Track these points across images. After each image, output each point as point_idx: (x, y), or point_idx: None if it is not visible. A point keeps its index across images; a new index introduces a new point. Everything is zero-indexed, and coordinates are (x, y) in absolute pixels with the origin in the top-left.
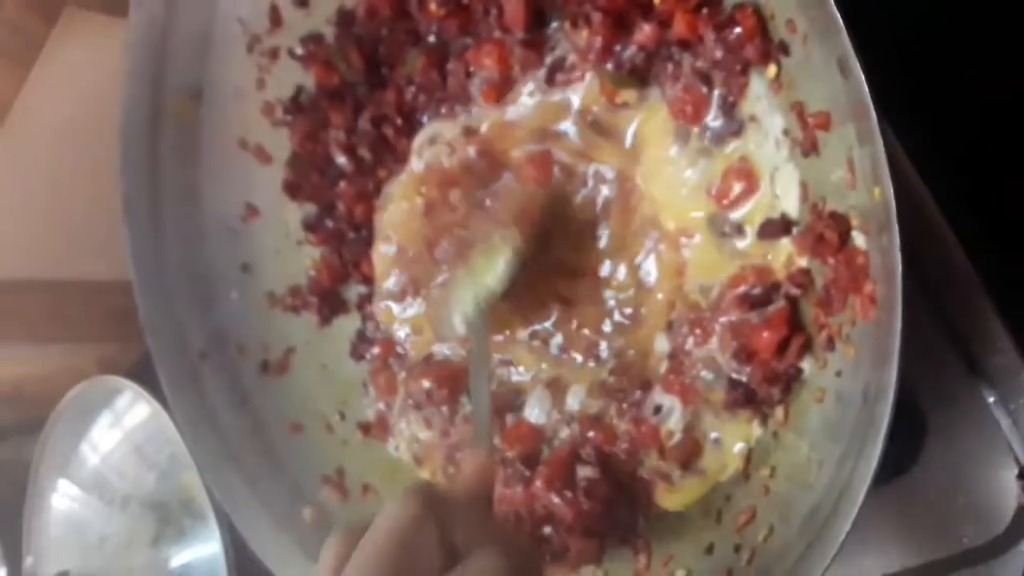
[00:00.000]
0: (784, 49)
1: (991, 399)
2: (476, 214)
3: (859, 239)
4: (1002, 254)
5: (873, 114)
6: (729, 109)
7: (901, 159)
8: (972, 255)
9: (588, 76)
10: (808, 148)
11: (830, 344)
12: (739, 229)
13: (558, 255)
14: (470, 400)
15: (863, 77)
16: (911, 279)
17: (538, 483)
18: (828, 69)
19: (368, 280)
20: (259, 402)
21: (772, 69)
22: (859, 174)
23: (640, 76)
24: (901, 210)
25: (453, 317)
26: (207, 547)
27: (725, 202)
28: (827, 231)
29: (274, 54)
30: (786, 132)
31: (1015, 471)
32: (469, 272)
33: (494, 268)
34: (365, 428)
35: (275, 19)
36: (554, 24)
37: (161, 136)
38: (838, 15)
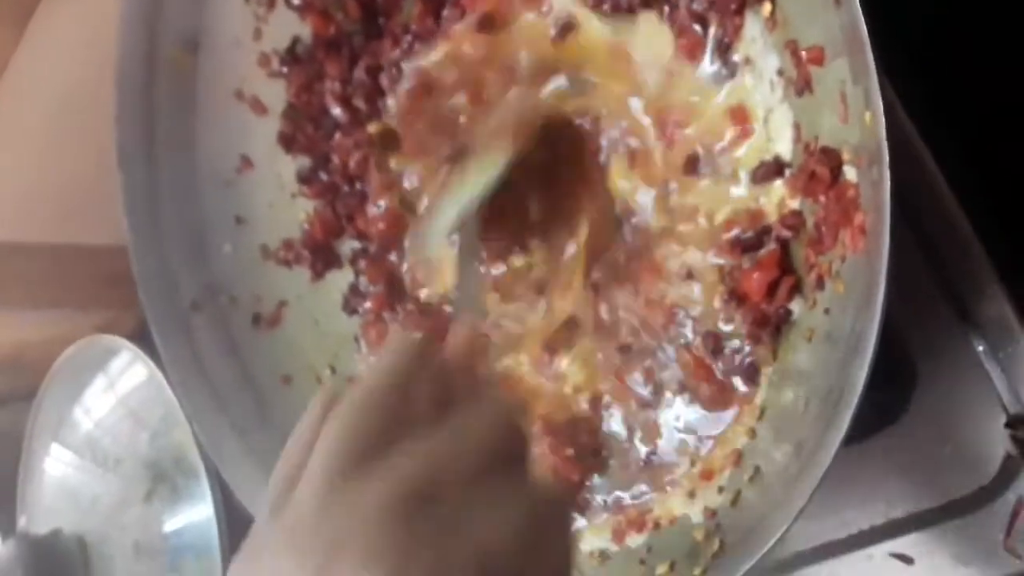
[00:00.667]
0: None
1: (981, 348)
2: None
3: (850, 173)
4: (996, 203)
5: (867, 41)
6: (724, 52)
7: (896, 108)
8: (965, 204)
9: None
10: (802, 86)
11: (819, 283)
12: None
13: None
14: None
15: (858, 3)
16: (903, 228)
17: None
18: (822, 2)
19: (362, 234)
20: (250, 354)
21: (767, 7)
22: (851, 107)
23: None
24: (893, 150)
25: (434, 226)
26: (199, 510)
27: (719, 147)
28: (819, 167)
29: (271, 4)
30: (780, 72)
31: (1003, 420)
32: (460, 183)
33: (484, 176)
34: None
35: None
36: None
37: (157, 86)
38: None
